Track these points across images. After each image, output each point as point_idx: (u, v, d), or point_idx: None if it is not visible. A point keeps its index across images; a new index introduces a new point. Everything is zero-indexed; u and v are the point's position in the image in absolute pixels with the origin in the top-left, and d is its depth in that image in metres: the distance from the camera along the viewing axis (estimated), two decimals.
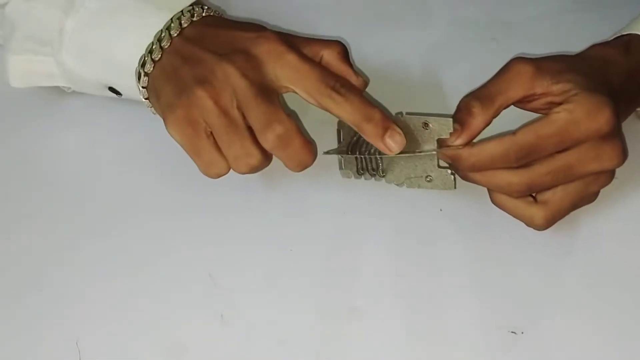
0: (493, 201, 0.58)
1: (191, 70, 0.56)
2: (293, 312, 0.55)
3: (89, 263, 0.58)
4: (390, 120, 0.56)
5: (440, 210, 0.61)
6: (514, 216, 0.57)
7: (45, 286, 0.56)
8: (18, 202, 0.61)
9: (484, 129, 0.56)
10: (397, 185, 0.60)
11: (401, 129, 0.56)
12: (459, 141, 0.56)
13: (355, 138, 0.59)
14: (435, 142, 0.57)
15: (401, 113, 0.59)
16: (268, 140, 0.55)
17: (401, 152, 0.56)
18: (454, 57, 0.71)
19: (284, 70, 0.56)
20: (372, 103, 0.57)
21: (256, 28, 0.58)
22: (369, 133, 0.56)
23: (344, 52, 0.59)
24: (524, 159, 0.55)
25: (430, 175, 0.59)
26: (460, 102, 0.57)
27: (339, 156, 0.60)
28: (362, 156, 0.59)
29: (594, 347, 0.54)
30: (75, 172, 0.63)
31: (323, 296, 0.56)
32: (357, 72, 0.59)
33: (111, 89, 0.63)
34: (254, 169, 0.56)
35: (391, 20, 0.74)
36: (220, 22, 0.60)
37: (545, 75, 0.55)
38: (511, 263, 0.58)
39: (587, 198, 0.57)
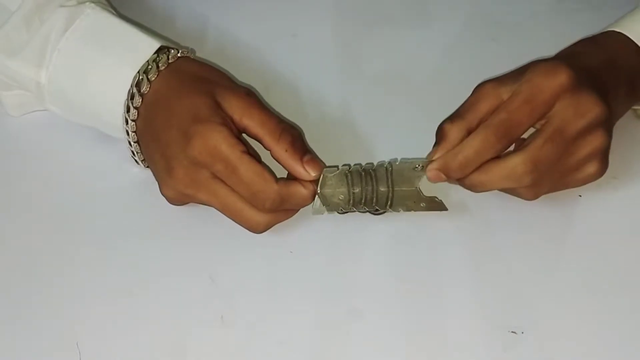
0: (473, 187, 0.57)
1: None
2: (293, 313, 0.55)
3: (90, 264, 0.58)
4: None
5: None
6: (496, 184, 0.57)
7: (45, 287, 0.56)
8: (20, 203, 0.61)
9: (459, 140, 0.56)
10: (393, 210, 0.59)
11: (395, 173, 0.58)
12: (437, 154, 0.57)
13: (353, 172, 0.58)
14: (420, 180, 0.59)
15: (395, 159, 0.59)
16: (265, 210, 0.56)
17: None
18: (454, 57, 0.71)
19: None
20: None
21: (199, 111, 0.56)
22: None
23: (293, 146, 0.56)
24: (506, 137, 0.55)
25: (422, 203, 0.59)
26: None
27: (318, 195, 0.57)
28: (368, 188, 0.58)
29: (594, 347, 0.54)
30: (76, 173, 0.63)
31: (323, 297, 0.56)
32: (309, 162, 0.56)
33: None
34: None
35: (391, 20, 0.75)
36: (175, 85, 0.58)
37: (506, 81, 0.57)
38: (511, 263, 0.58)
39: (573, 160, 0.57)
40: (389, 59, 0.71)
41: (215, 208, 0.57)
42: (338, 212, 0.59)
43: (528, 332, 0.54)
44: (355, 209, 0.59)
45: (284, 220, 0.58)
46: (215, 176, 0.56)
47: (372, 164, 0.59)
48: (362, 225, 0.60)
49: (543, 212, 0.60)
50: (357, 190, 0.58)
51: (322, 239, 0.59)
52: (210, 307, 0.55)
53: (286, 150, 0.56)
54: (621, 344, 0.54)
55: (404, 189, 0.59)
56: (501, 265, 0.58)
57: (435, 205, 0.59)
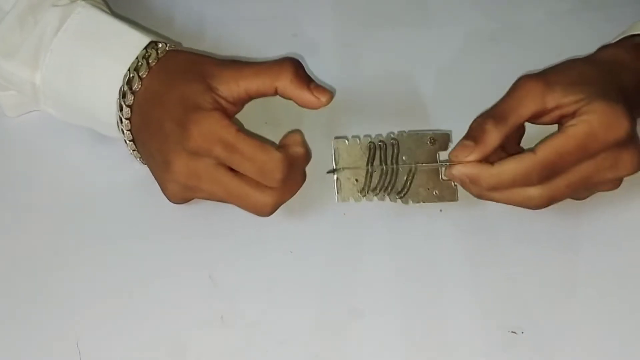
0: (481, 197, 0.57)
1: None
2: (293, 313, 0.55)
3: (90, 264, 0.58)
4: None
5: (440, 210, 0.61)
6: (506, 203, 0.57)
7: (45, 286, 0.56)
8: (19, 203, 0.61)
9: (497, 146, 0.55)
10: (403, 202, 0.59)
11: (404, 145, 0.57)
12: (472, 157, 0.55)
13: (371, 153, 0.58)
14: (437, 156, 0.59)
15: (403, 131, 0.59)
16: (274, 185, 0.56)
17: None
18: (453, 57, 0.71)
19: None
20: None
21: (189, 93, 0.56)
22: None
23: (297, 75, 0.57)
24: (546, 177, 0.54)
25: (435, 189, 0.59)
26: (473, 122, 0.56)
27: (336, 177, 0.58)
28: (386, 167, 0.58)
29: (594, 347, 0.54)
30: (75, 172, 0.63)
31: (323, 297, 0.56)
32: (317, 89, 0.57)
33: None
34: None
35: (391, 20, 0.74)
36: (167, 76, 0.58)
37: (555, 88, 0.55)
38: (511, 263, 0.58)
39: (590, 191, 0.58)
40: (389, 59, 0.71)
41: (220, 197, 0.56)
42: (366, 198, 0.58)
43: (528, 332, 0.54)
44: (379, 192, 0.58)
45: (289, 198, 0.57)
46: (216, 163, 0.55)
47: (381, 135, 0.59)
48: (362, 225, 0.60)
49: (543, 211, 0.60)
50: (376, 166, 0.57)
51: (322, 239, 0.59)
52: (210, 307, 0.55)
53: (291, 81, 0.56)
54: (621, 344, 0.54)
55: (424, 165, 0.58)
56: (501, 265, 0.58)
57: (448, 193, 0.59)
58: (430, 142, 0.59)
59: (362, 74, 0.70)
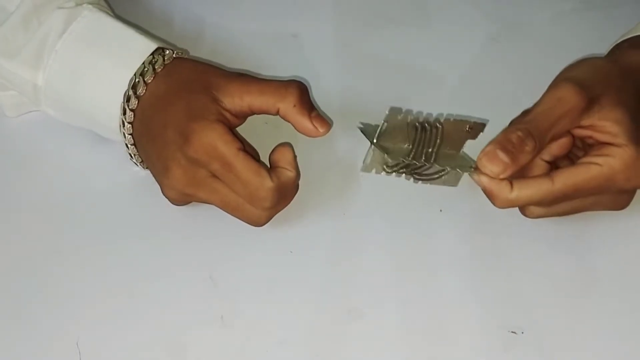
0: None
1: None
2: (293, 313, 0.55)
3: (90, 264, 0.58)
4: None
5: (440, 210, 0.61)
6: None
7: (45, 286, 0.56)
8: (19, 204, 0.61)
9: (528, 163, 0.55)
10: (413, 182, 0.58)
11: (445, 130, 0.56)
12: (503, 175, 0.54)
13: (419, 135, 0.57)
14: (464, 144, 0.58)
15: (450, 116, 0.58)
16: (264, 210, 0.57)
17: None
18: (454, 57, 0.71)
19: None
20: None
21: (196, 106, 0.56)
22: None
23: (301, 100, 0.57)
24: (555, 204, 0.56)
25: (445, 174, 0.58)
26: (512, 133, 0.54)
27: (372, 148, 0.56)
28: (424, 161, 0.57)
29: (594, 347, 0.54)
30: (75, 172, 0.63)
31: (323, 297, 0.56)
32: (317, 118, 0.57)
33: None
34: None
35: (391, 20, 0.74)
36: (173, 84, 0.58)
37: (594, 109, 0.55)
38: (511, 263, 0.58)
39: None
40: (389, 59, 0.71)
41: (216, 205, 0.57)
42: (386, 172, 0.57)
43: (528, 332, 0.54)
44: (403, 171, 0.57)
45: (284, 208, 0.58)
46: (213, 175, 0.55)
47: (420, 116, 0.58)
48: (362, 225, 0.60)
49: None
50: (413, 159, 0.56)
51: (322, 239, 0.59)
52: (210, 307, 0.55)
53: (294, 105, 0.56)
54: (621, 344, 0.54)
55: (458, 170, 0.57)
56: (501, 265, 0.58)
57: (453, 179, 0.58)
58: (467, 130, 0.58)
59: (362, 74, 0.70)
